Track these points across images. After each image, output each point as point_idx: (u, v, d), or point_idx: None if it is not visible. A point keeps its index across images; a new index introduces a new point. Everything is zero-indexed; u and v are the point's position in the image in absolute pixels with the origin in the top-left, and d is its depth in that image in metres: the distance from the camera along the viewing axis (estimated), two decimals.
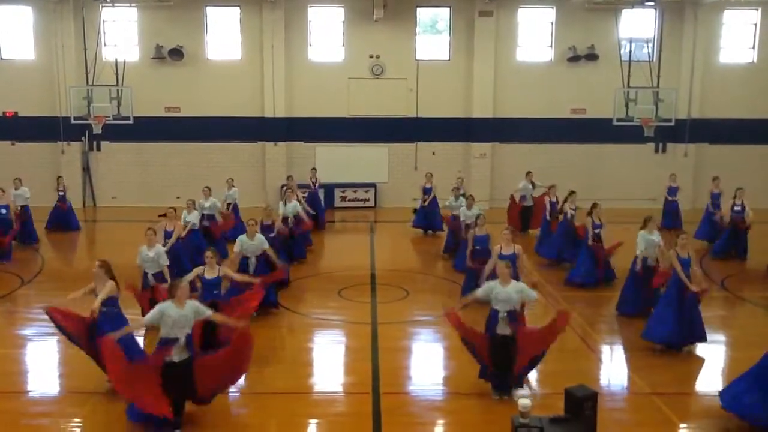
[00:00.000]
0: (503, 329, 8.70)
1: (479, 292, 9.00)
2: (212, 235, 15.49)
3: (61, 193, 18.85)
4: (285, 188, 17.42)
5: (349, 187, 22.73)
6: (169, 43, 22.26)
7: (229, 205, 17.78)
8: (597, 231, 13.72)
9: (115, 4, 20.48)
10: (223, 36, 22.83)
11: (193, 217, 14.49)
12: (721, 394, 8.38)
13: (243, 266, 11.48)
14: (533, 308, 10.38)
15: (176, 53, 22.24)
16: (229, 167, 22.80)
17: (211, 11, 22.66)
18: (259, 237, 11.83)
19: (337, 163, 22.51)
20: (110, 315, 8.74)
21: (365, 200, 22.90)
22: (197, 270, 9.97)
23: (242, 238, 11.71)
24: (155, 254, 10.75)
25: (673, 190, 18.85)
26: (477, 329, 8.91)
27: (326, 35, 22.93)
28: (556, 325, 8.87)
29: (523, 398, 6.54)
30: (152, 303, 10.35)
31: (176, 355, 7.63)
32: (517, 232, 18.68)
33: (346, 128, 22.90)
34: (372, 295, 13.26)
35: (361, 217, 21.56)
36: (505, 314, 8.68)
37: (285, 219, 15.08)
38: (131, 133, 21.22)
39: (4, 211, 15.88)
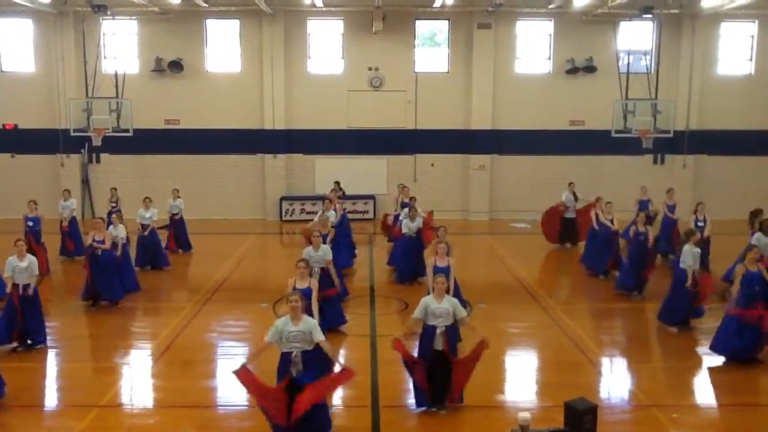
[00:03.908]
0: (440, 344, 8.67)
1: (416, 313, 8.81)
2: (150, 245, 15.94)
3: (114, 205, 18.48)
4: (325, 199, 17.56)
5: (348, 199, 22.69)
6: (168, 56, 22.35)
7: (174, 216, 17.86)
8: (641, 238, 14.23)
9: (115, 17, 20.56)
10: (222, 48, 22.92)
11: (120, 231, 14.26)
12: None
13: None
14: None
15: (176, 65, 22.33)
16: (228, 179, 22.94)
17: (211, 24, 22.76)
18: (324, 248, 11.81)
19: (336, 175, 22.46)
20: None
21: (364, 212, 22.91)
22: (291, 281, 9.89)
23: (308, 249, 11.68)
24: (27, 264, 10.90)
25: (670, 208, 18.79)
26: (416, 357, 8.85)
27: (325, 48, 23.03)
28: (478, 351, 8.77)
29: (522, 411, 6.53)
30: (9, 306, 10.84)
31: (295, 371, 7.65)
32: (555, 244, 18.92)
33: (346, 140, 22.96)
34: (371, 307, 13.24)
35: (360, 229, 21.51)
36: (444, 329, 8.67)
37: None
38: (131, 146, 21.28)
39: (31, 223, 15.83)
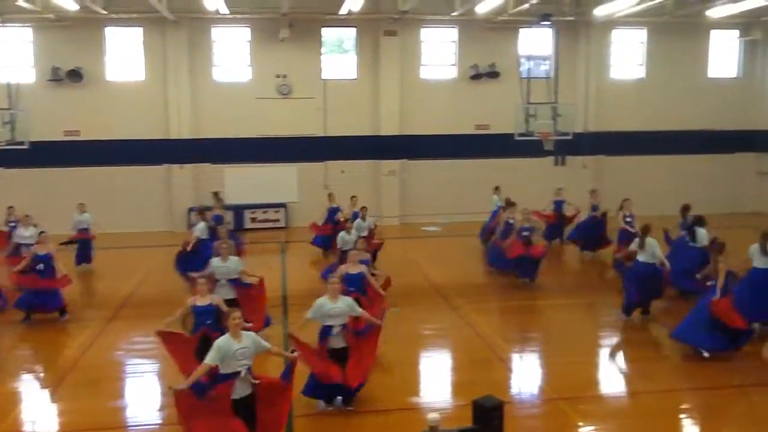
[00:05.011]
0: (338, 343, 8.94)
1: (310, 313, 8.97)
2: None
3: (12, 225, 16.89)
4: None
5: (258, 207, 22.52)
6: (66, 65, 21.53)
7: (83, 230, 17.26)
8: (525, 233, 15.35)
9: (7, 24, 19.65)
10: (124, 57, 22.25)
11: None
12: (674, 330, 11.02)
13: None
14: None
15: (75, 75, 21.52)
16: (133, 191, 22.25)
17: (111, 31, 22.04)
18: (233, 259, 11.46)
19: (246, 183, 22.27)
20: None
21: (275, 220, 22.73)
22: (190, 299, 9.55)
23: (215, 260, 11.30)
24: None
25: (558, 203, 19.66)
26: (313, 349, 8.95)
27: (232, 55, 22.74)
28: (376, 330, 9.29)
29: (432, 412, 6.64)
30: None
31: (237, 392, 7.31)
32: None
33: (255, 148, 22.71)
34: (284, 316, 13.15)
35: (271, 237, 21.39)
36: (340, 328, 8.91)
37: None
38: (28, 159, 20.27)
39: None
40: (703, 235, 13.65)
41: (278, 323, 12.63)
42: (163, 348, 9.42)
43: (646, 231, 12.76)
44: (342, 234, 14.77)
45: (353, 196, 18.30)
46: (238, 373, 7.30)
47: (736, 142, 24.74)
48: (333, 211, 18.46)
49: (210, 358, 7.23)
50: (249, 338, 7.51)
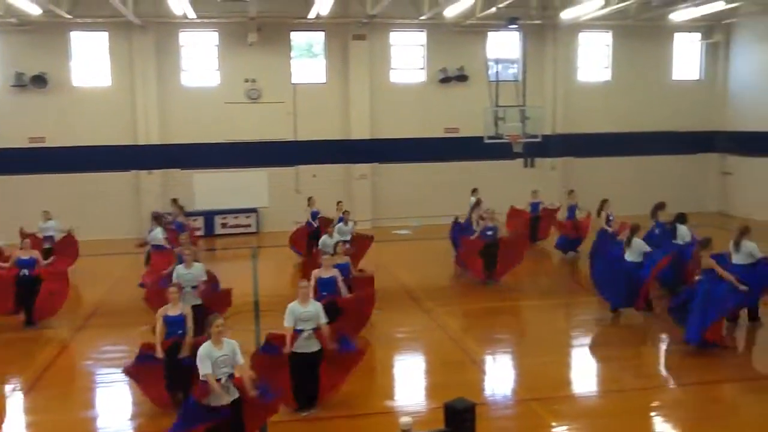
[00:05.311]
0: (309, 347, 8.95)
1: (286, 321, 8.97)
2: None
3: None
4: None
5: (229, 213, 22.39)
6: (31, 70, 21.18)
7: (47, 238, 16.99)
8: (489, 233, 15.47)
9: None
10: (90, 62, 21.96)
11: None
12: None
13: None
14: None
15: (39, 80, 21.18)
16: (101, 198, 21.97)
17: (77, 36, 21.75)
18: (197, 266, 11.27)
19: (216, 189, 22.12)
20: None
21: (246, 226, 22.60)
22: (161, 310, 9.38)
23: (179, 268, 11.16)
24: None
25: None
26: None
27: (200, 60, 22.58)
28: (355, 357, 9.26)
29: (405, 416, 6.67)
30: None
31: (218, 399, 7.31)
32: None
33: (224, 153, 22.57)
34: (256, 322, 13.09)
35: (242, 243, 21.26)
36: (311, 332, 8.95)
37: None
38: None
39: None
40: (684, 231, 13.95)
41: (251, 330, 12.60)
42: (132, 382, 9.36)
43: (634, 230, 13.01)
44: (324, 238, 14.83)
45: (339, 202, 18.46)
46: (219, 380, 7.34)
47: (700, 142, 25.25)
48: (313, 215, 18.42)
49: (203, 368, 7.33)
50: (230, 346, 7.58)
